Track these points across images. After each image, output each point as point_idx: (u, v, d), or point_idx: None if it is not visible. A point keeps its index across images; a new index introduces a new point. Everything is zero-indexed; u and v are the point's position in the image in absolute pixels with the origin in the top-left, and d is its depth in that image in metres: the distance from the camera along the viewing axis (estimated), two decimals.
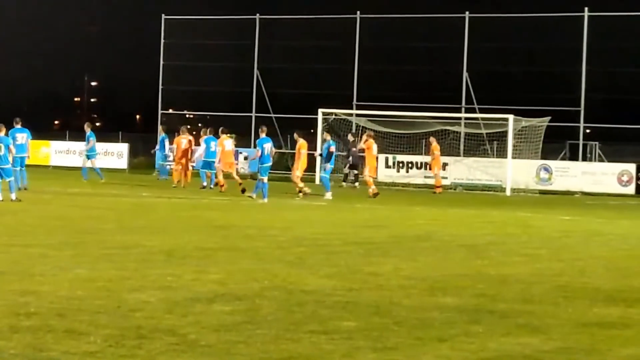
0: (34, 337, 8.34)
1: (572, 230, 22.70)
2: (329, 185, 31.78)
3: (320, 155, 33.83)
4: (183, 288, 11.28)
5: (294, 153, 53.40)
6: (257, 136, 29.88)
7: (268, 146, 29.53)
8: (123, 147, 51.89)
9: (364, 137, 38.87)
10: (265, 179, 29.17)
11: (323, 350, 8.25)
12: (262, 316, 9.67)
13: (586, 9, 46.37)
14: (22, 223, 19.34)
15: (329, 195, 31.14)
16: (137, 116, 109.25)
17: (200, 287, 11.42)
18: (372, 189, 33.82)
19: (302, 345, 8.41)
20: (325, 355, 8.12)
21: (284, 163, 52.22)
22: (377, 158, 39.95)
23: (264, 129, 30.52)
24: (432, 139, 41.06)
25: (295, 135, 33.14)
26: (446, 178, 44.07)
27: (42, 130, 55.11)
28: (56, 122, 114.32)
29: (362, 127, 46.13)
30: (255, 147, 34.77)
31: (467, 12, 48.52)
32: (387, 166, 45.35)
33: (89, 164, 37.89)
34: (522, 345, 8.75)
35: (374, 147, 38.40)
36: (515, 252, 16.89)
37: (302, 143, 31.89)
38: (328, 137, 32.95)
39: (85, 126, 38.94)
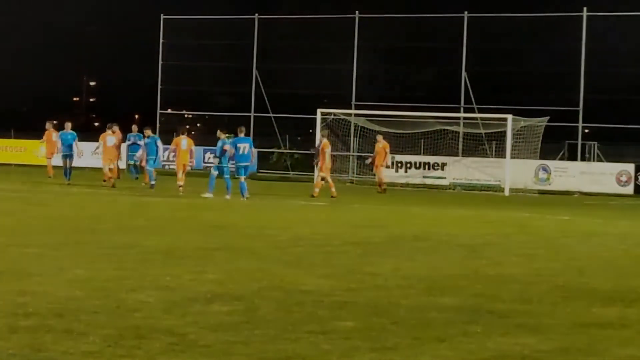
0: (33, 337, 8.34)
1: (571, 230, 22.71)
2: (213, 185, 29.90)
3: (214, 155, 32.50)
4: (181, 288, 11.27)
5: (292, 153, 53.83)
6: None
7: (243, 146, 29.80)
8: (121, 147, 51.70)
9: (321, 137, 34.81)
10: (242, 178, 29.55)
11: (321, 350, 8.25)
12: (261, 316, 9.67)
13: (585, 9, 46.39)
14: (20, 223, 19.32)
15: (208, 195, 29.64)
16: (136, 116, 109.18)
17: (199, 287, 11.41)
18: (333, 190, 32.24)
19: (301, 345, 8.42)
20: (324, 355, 8.12)
21: (282, 163, 52.32)
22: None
23: (242, 129, 31.04)
24: (380, 137, 39.50)
25: (112, 127, 36.70)
26: (445, 178, 44.11)
27: (40, 130, 55.07)
28: (54, 122, 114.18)
29: (361, 127, 46.17)
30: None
31: (465, 12, 48.54)
32: (386, 166, 45.32)
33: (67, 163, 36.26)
34: (520, 345, 8.75)
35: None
36: (514, 252, 16.88)
37: (104, 135, 36.12)
38: (222, 136, 30.51)
39: (65, 125, 37.35)
